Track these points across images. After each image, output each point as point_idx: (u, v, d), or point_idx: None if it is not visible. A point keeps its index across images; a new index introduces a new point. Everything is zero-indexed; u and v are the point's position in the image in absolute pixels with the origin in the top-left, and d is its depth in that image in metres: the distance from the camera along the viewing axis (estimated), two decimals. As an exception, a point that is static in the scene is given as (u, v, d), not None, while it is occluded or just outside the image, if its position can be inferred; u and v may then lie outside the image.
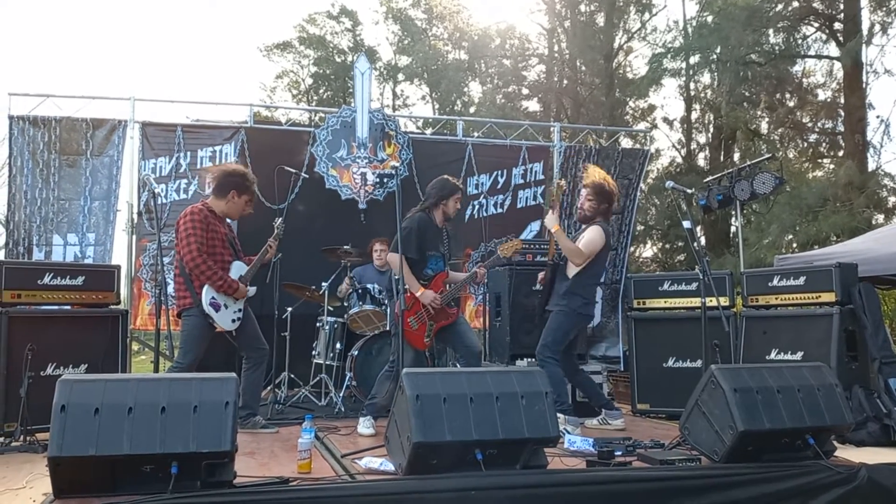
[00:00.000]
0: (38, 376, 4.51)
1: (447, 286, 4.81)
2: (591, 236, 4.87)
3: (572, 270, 4.90)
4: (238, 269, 4.74)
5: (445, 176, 4.98)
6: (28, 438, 4.33)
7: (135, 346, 8.68)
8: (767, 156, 9.60)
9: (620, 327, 8.82)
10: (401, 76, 25.09)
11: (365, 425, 4.70)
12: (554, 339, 4.86)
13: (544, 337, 4.90)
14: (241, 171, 4.92)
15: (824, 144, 16.44)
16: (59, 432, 2.78)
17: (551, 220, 4.92)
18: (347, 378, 6.02)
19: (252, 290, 4.82)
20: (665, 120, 20.40)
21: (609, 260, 8.85)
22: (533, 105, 22.21)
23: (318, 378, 6.45)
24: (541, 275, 5.22)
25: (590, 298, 4.98)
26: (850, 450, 4.21)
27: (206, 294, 4.54)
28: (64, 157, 7.28)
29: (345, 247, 6.32)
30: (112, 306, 5.14)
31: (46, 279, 4.83)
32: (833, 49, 14.64)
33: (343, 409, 5.61)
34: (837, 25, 14.13)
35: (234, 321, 4.69)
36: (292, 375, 6.56)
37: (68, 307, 4.99)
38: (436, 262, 4.85)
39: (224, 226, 4.78)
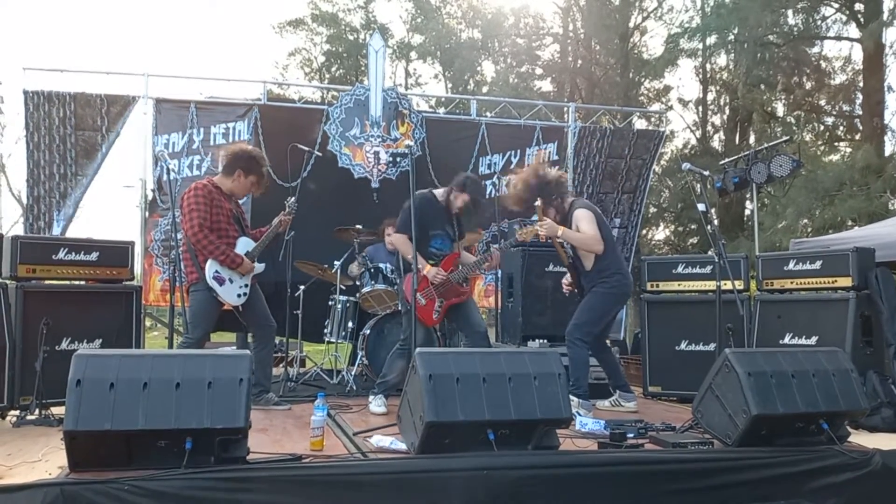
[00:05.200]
0: (54, 350, 4.54)
1: (458, 267, 4.80)
2: (583, 220, 4.72)
3: (588, 261, 4.81)
4: (245, 245, 4.75)
5: (473, 176, 4.94)
6: (43, 412, 4.37)
7: (147, 322, 8.75)
8: (785, 138, 9.50)
9: (627, 304, 8.80)
10: (413, 54, 24.91)
11: (376, 404, 4.71)
12: (588, 319, 4.73)
13: (577, 316, 4.77)
14: (251, 151, 4.91)
15: (842, 127, 16.27)
16: (75, 406, 2.80)
17: (551, 227, 4.66)
18: (359, 356, 6.04)
19: (260, 267, 4.83)
20: (680, 101, 20.25)
21: (618, 238, 8.83)
22: (546, 85, 22.02)
23: (329, 356, 6.48)
24: (565, 282, 5.11)
25: (621, 268, 4.82)
26: (863, 435, 4.19)
27: (210, 268, 4.57)
28: (79, 132, 7.29)
29: (357, 226, 6.31)
30: (126, 282, 5.16)
31: (61, 254, 4.84)
32: (853, 30, 14.43)
33: (355, 388, 5.63)
34: (858, 6, 13.90)
35: (239, 296, 4.70)
36: (304, 353, 6.59)
37: (83, 282, 5.02)
38: (440, 242, 4.81)
39: (230, 202, 4.78)
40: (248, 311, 4.81)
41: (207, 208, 4.57)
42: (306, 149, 6.33)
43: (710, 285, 5.51)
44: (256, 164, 4.79)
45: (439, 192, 4.85)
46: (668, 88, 20.37)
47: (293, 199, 5.02)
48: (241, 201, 5.05)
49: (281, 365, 6.19)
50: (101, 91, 7.35)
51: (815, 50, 16.11)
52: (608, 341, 5.74)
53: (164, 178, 6.87)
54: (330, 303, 6.42)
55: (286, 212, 4.93)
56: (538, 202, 4.71)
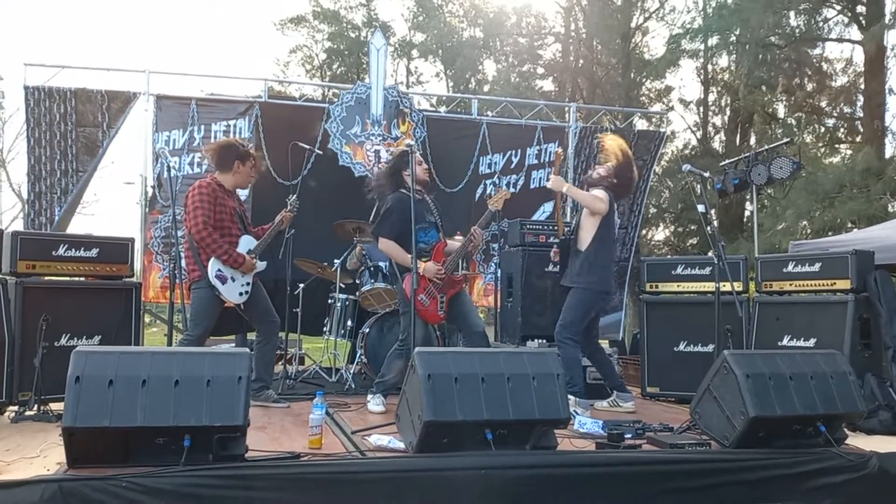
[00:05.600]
0: (53, 347, 4.55)
1: (447, 255, 4.75)
2: (597, 192, 4.83)
3: (584, 243, 4.84)
4: (247, 244, 4.76)
5: (396, 155, 4.84)
6: (42, 408, 4.38)
7: (147, 319, 8.76)
8: (785, 140, 9.50)
9: (625, 307, 8.82)
10: (415, 53, 24.91)
11: (375, 402, 4.71)
12: (573, 318, 4.79)
13: (563, 316, 4.82)
14: (234, 140, 5.03)
15: (842, 129, 16.28)
16: (74, 403, 2.80)
17: (559, 182, 4.82)
18: (358, 355, 6.04)
19: (262, 265, 4.83)
20: (681, 102, 20.24)
21: (618, 238, 8.84)
22: (548, 84, 22.03)
23: (328, 354, 6.49)
24: (554, 249, 5.19)
25: (607, 270, 4.88)
26: (861, 438, 4.20)
27: (212, 266, 4.57)
28: (80, 128, 7.29)
29: (358, 221, 6.29)
30: (126, 279, 5.17)
31: (61, 250, 4.85)
32: (855, 32, 14.44)
33: (353, 386, 5.63)
34: (860, 8, 13.91)
35: (241, 294, 4.71)
36: (303, 351, 6.58)
37: (82, 279, 5.02)
38: (426, 234, 4.76)
39: (233, 199, 4.80)
40: (251, 307, 4.82)
41: (211, 206, 4.58)
42: (307, 147, 6.33)
43: (710, 287, 5.51)
44: (246, 150, 4.84)
45: (406, 188, 4.69)
46: (669, 89, 20.39)
47: (295, 196, 5.03)
48: (242, 197, 5.05)
49: (280, 363, 6.20)
50: (102, 87, 7.35)
51: (817, 52, 16.14)
52: (607, 342, 5.77)
53: (165, 175, 6.87)
54: (329, 301, 6.43)
55: (288, 209, 4.95)
56: (559, 149, 4.94)
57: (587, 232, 4.85)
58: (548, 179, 5.27)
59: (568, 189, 4.84)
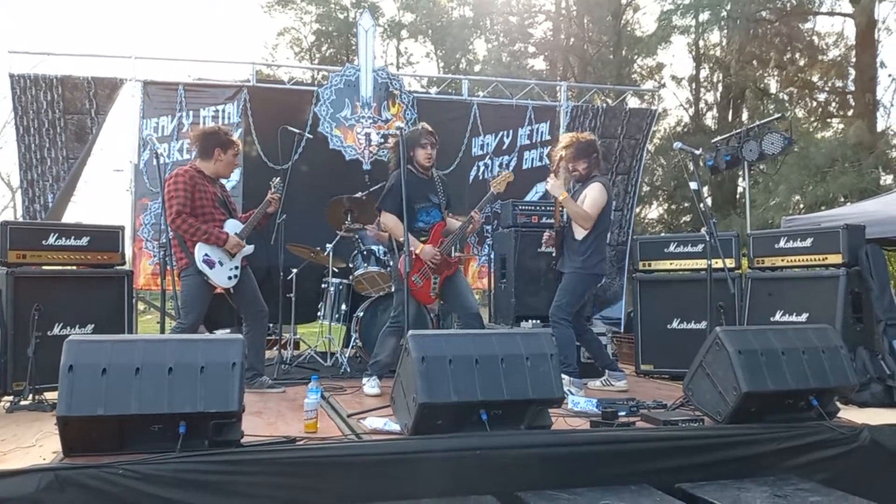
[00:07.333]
0: (46, 336, 4.54)
1: (446, 236, 4.76)
2: (593, 195, 4.83)
3: (580, 233, 4.87)
4: (232, 228, 4.76)
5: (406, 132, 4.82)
6: (37, 397, 4.38)
7: (140, 306, 8.74)
8: (776, 116, 9.49)
9: (625, 290, 8.83)
10: (405, 33, 24.68)
11: (370, 385, 4.73)
12: (569, 300, 4.83)
13: (558, 298, 4.87)
14: (218, 127, 4.99)
15: (834, 104, 16.25)
16: (68, 392, 2.80)
17: (557, 187, 4.84)
18: (353, 339, 6.05)
19: (249, 249, 4.82)
20: (673, 78, 20.14)
21: (615, 221, 8.83)
22: (539, 63, 21.88)
23: (323, 339, 6.49)
24: (546, 234, 5.20)
25: (602, 255, 4.93)
26: (853, 410, 4.23)
27: (199, 251, 4.57)
28: (69, 116, 7.23)
29: (351, 195, 6.26)
30: (117, 267, 5.15)
31: (51, 240, 4.83)
32: (846, 6, 14.38)
33: (348, 370, 5.65)
34: (851, -19, 13.84)
35: (230, 278, 4.71)
36: (298, 336, 6.58)
37: (74, 268, 5.00)
38: (427, 214, 4.78)
39: (215, 186, 4.78)
40: (239, 295, 4.82)
41: (188, 194, 4.56)
42: (297, 131, 6.28)
43: (702, 264, 5.51)
44: (228, 137, 4.82)
45: (413, 167, 4.76)
46: (661, 66, 20.27)
47: (278, 178, 5.02)
48: (230, 185, 5.03)
49: (275, 348, 6.20)
50: (89, 74, 7.27)
51: (808, 26, 16.07)
52: (604, 328, 5.80)
53: (154, 162, 6.82)
54: (323, 286, 6.42)
55: (272, 191, 4.93)
56: (563, 153, 4.92)
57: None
58: (541, 160, 5.25)
59: (563, 200, 4.82)
